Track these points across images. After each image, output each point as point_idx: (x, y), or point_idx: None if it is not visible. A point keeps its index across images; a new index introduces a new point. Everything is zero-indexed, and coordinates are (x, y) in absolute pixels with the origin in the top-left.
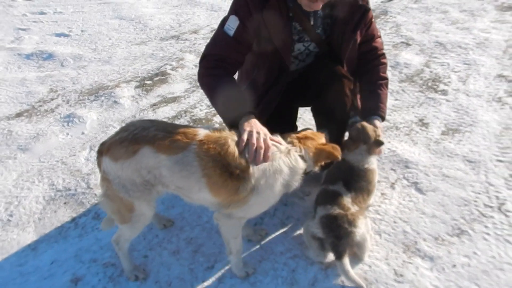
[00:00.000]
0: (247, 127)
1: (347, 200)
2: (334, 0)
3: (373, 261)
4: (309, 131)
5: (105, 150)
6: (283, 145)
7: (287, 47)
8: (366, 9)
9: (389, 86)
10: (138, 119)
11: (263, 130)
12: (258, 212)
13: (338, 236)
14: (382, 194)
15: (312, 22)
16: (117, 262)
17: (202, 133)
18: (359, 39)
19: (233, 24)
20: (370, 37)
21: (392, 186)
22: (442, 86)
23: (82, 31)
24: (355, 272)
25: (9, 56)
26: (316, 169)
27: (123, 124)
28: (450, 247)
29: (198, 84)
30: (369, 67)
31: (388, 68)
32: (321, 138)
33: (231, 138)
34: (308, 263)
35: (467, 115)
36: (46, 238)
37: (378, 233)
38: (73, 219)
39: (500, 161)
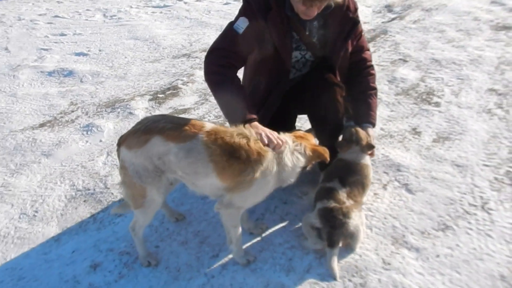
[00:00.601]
0: (255, 130)
1: (342, 195)
2: (327, 11)
3: (364, 252)
4: (300, 132)
5: (122, 141)
6: (289, 143)
7: (288, 53)
8: (356, 21)
9: (385, 99)
10: (152, 115)
11: (269, 131)
12: (254, 202)
13: (334, 226)
14: (375, 194)
15: (307, 32)
16: (131, 251)
17: (209, 126)
18: (350, 49)
19: (242, 24)
20: (360, 48)
21: (384, 187)
22: (435, 99)
23: (99, 50)
24: (345, 260)
25: (33, 74)
26: (307, 167)
27: None
28: (435, 240)
29: (204, 79)
30: (359, 78)
31: (385, 82)
32: (312, 139)
33: (236, 131)
34: (304, 253)
35: (458, 125)
36: (67, 231)
37: (369, 227)
38: (92, 215)
39: (486, 165)
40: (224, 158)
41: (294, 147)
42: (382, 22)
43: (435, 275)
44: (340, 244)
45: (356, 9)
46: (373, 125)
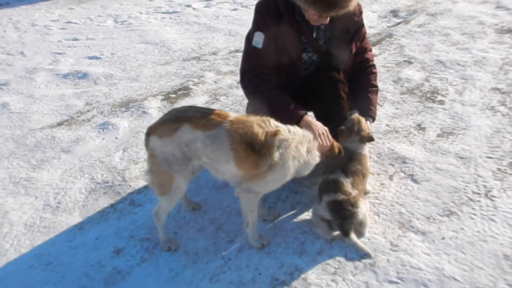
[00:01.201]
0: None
1: (347, 186)
2: (333, 16)
3: (372, 235)
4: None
5: (152, 130)
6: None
7: (299, 56)
8: (360, 25)
9: (391, 98)
10: (179, 106)
11: (321, 128)
12: (272, 188)
13: (344, 217)
14: (381, 184)
15: (314, 35)
16: (151, 237)
17: (233, 115)
18: (354, 50)
19: (259, 38)
20: (363, 49)
21: (391, 177)
22: (440, 97)
23: (112, 54)
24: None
25: (48, 76)
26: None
27: None
28: (440, 224)
29: (245, 98)
30: (361, 77)
31: (390, 82)
32: None
33: (256, 122)
34: (315, 238)
35: (462, 121)
36: (89, 221)
37: (377, 214)
38: (112, 205)
39: (489, 157)
40: (243, 147)
41: (309, 142)
42: (388, 27)
43: (441, 255)
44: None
45: (361, 13)
46: (373, 119)
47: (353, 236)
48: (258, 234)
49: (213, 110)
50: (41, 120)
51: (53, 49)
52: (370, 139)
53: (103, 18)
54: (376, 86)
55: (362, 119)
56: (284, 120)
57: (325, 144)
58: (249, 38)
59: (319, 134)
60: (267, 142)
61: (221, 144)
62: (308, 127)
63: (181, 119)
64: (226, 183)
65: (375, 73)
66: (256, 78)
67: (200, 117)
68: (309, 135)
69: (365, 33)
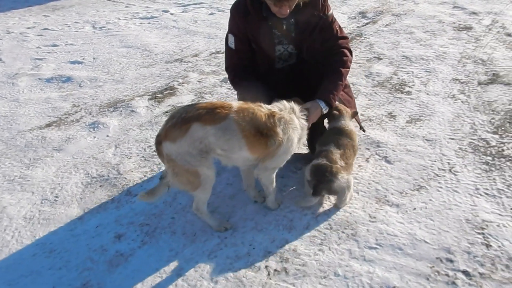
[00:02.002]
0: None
1: (336, 156)
2: (298, 9)
3: (353, 210)
4: (297, 99)
5: (163, 137)
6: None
7: (270, 47)
8: (321, 17)
9: (364, 90)
10: (178, 108)
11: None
12: (285, 160)
13: (320, 180)
14: (359, 166)
15: (285, 27)
16: (150, 222)
17: (235, 105)
18: (318, 40)
19: (231, 39)
20: (329, 37)
21: (367, 160)
22: (407, 89)
23: (94, 58)
24: (338, 217)
25: (31, 81)
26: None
27: (141, 128)
28: (411, 197)
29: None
30: (329, 62)
31: (363, 77)
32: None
33: (256, 107)
34: (302, 215)
35: (427, 108)
36: (89, 211)
37: (356, 191)
38: (109, 196)
39: (452, 139)
40: (252, 132)
41: (300, 113)
42: (357, 27)
43: (413, 223)
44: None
45: (324, 6)
46: (326, 102)
47: (315, 199)
48: (275, 198)
49: (215, 103)
50: (29, 122)
51: (32, 55)
52: (355, 113)
53: (80, 24)
54: (340, 71)
55: (341, 106)
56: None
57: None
58: (226, 39)
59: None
60: (270, 123)
61: (232, 133)
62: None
63: (188, 119)
64: (217, 172)
65: (343, 60)
66: (234, 74)
67: (206, 113)
68: (291, 105)
69: (331, 23)
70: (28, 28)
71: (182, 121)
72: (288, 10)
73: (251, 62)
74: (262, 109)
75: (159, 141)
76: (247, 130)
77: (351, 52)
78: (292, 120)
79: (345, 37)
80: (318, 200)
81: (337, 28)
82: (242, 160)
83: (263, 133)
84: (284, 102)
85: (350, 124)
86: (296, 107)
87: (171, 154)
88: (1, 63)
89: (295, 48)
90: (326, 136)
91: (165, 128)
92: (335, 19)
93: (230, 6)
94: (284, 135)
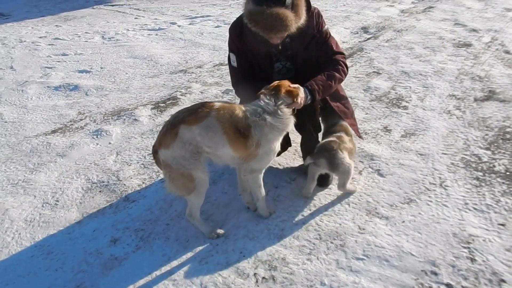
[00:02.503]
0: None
1: (346, 138)
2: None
3: (343, 221)
4: (285, 81)
5: (158, 146)
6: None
7: (269, 66)
8: (314, 35)
9: (361, 104)
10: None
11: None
12: (269, 161)
13: (325, 149)
14: (352, 178)
15: (280, 47)
16: (145, 228)
17: (217, 104)
18: (314, 55)
19: (233, 58)
20: (325, 52)
21: (360, 172)
22: (404, 103)
23: (101, 68)
24: (328, 228)
25: (40, 89)
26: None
27: (143, 136)
28: (401, 210)
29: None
30: (324, 67)
31: (361, 90)
32: (286, 82)
33: (238, 107)
34: (293, 225)
35: (422, 123)
36: (87, 216)
37: (347, 203)
38: (108, 202)
39: (445, 153)
40: (232, 130)
41: (272, 105)
42: (359, 42)
43: (401, 235)
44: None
45: (318, 23)
46: (309, 91)
47: (311, 162)
48: (266, 205)
49: (199, 104)
50: (36, 128)
51: (42, 63)
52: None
53: (90, 34)
54: (333, 73)
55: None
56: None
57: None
58: (229, 59)
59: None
60: (246, 123)
61: (214, 130)
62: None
63: (176, 123)
64: (213, 180)
65: (339, 67)
66: (241, 90)
67: (189, 115)
68: (264, 105)
69: (325, 39)
70: (40, 37)
71: (170, 127)
72: (279, 40)
73: (253, 78)
74: (242, 108)
75: (155, 151)
76: (227, 127)
77: (347, 67)
78: (266, 119)
79: (342, 53)
80: (310, 193)
81: (333, 44)
82: (229, 158)
83: (241, 132)
84: (258, 101)
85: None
86: (271, 104)
87: (167, 159)
88: (12, 70)
89: (292, 64)
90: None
91: (159, 137)
92: (330, 34)
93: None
94: (261, 135)
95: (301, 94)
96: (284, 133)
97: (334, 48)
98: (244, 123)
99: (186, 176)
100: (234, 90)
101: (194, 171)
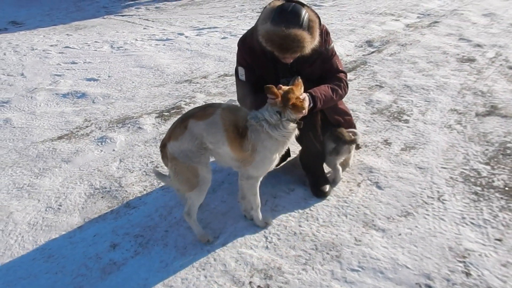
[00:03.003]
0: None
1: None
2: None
3: (339, 233)
4: (297, 88)
5: (167, 139)
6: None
7: (275, 81)
8: (321, 52)
9: (362, 117)
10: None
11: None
12: (265, 169)
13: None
14: (350, 190)
15: (289, 65)
16: (144, 234)
17: (225, 104)
18: (318, 72)
19: (241, 72)
20: (328, 69)
21: (358, 184)
22: (405, 117)
23: (109, 76)
24: (324, 239)
25: (48, 95)
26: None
27: (146, 144)
28: (398, 223)
29: None
30: (327, 82)
31: (363, 103)
32: (297, 90)
33: (244, 109)
34: (291, 234)
35: (423, 137)
36: (88, 221)
37: (344, 214)
38: (109, 207)
39: (444, 168)
40: (231, 128)
41: (276, 119)
42: (363, 55)
43: (396, 248)
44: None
45: (325, 40)
46: (312, 98)
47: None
48: (261, 215)
49: (209, 103)
50: (43, 134)
51: (52, 71)
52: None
53: (100, 43)
54: (332, 85)
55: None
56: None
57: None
58: (236, 72)
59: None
60: (244, 124)
61: (216, 127)
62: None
63: (186, 118)
64: (213, 189)
65: (341, 85)
66: (247, 103)
67: (199, 111)
68: (266, 115)
69: (331, 57)
70: (51, 45)
71: (181, 121)
72: (291, 60)
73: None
74: (246, 111)
75: (163, 144)
76: (227, 124)
77: (348, 86)
78: (265, 128)
79: (344, 72)
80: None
81: (337, 62)
82: (229, 158)
83: (239, 132)
84: (263, 110)
85: None
86: (275, 119)
87: (175, 152)
88: (23, 77)
89: None
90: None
91: (169, 132)
92: (335, 52)
93: (243, 31)
94: (257, 141)
95: (306, 103)
96: (286, 145)
97: (338, 67)
98: (243, 124)
99: (191, 170)
100: (238, 102)
101: (200, 165)
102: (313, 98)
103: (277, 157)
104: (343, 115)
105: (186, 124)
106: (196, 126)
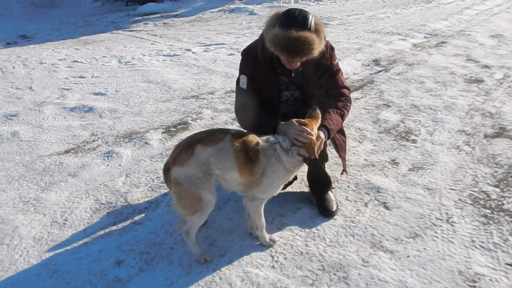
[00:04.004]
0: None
1: None
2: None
3: (347, 253)
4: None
5: (171, 164)
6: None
7: (278, 94)
8: (327, 66)
9: (370, 136)
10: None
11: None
12: (271, 193)
13: None
14: (357, 209)
15: (293, 75)
16: (150, 251)
17: (233, 130)
18: (324, 87)
19: (243, 80)
20: (335, 85)
21: (366, 204)
22: (413, 137)
23: (116, 91)
24: (331, 259)
25: (56, 109)
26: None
27: (152, 159)
28: (406, 245)
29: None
30: (332, 102)
31: (370, 122)
32: (313, 126)
33: (253, 135)
34: (297, 254)
35: (431, 158)
36: (94, 236)
37: (351, 235)
38: (115, 223)
39: (453, 189)
40: (242, 154)
41: (287, 145)
42: (370, 74)
43: (405, 270)
44: None
45: (331, 55)
46: (326, 129)
47: None
48: (267, 235)
49: (216, 129)
50: (49, 148)
51: (60, 85)
52: None
53: (107, 58)
54: (341, 109)
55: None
56: (266, 133)
57: (303, 141)
58: (237, 81)
59: (294, 138)
60: (256, 149)
61: (226, 153)
62: (283, 131)
63: (193, 143)
64: (219, 206)
65: (348, 105)
66: (244, 113)
67: (207, 136)
68: (279, 139)
69: (336, 71)
70: (60, 59)
71: (187, 145)
72: (298, 64)
73: (259, 105)
74: (255, 136)
75: (167, 168)
76: (238, 150)
77: (351, 103)
78: (277, 153)
79: (348, 88)
80: None
81: (342, 78)
82: (236, 183)
83: (249, 157)
84: (277, 135)
85: None
86: (287, 143)
87: (179, 177)
88: (31, 91)
89: (301, 94)
90: None
91: (174, 155)
92: (340, 68)
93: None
94: (267, 165)
95: (319, 142)
96: (292, 174)
97: (344, 83)
98: (254, 148)
99: (195, 196)
100: (235, 112)
101: (204, 191)
102: (328, 131)
103: (283, 183)
104: (342, 133)
105: (193, 149)
106: (203, 152)
